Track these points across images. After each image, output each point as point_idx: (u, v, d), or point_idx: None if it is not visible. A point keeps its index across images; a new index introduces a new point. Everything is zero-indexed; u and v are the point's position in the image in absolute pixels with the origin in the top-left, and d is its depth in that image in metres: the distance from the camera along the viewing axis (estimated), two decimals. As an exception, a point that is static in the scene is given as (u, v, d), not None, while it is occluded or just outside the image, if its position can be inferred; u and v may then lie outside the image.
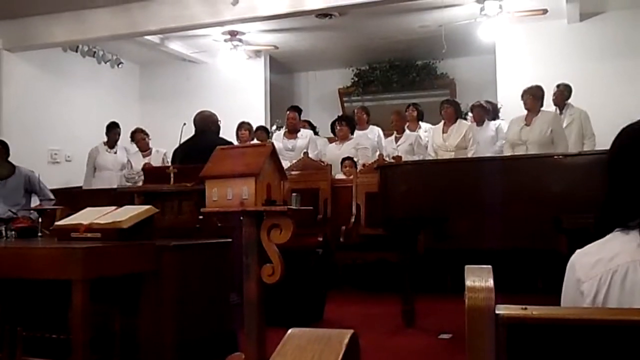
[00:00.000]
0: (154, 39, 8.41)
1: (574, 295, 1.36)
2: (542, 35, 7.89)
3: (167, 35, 8.43)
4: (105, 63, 8.86)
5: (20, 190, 5.78)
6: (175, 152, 5.12)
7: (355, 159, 6.67)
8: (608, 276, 1.29)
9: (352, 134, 7.11)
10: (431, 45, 8.70)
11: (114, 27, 7.22)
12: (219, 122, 5.19)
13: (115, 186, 6.61)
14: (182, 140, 5.42)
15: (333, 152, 7.02)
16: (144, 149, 7.66)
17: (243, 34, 8.37)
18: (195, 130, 5.05)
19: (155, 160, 7.30)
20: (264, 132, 7.77)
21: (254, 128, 7.74)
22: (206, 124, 5.02)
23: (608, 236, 1.38)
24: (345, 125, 7.09)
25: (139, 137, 7.65)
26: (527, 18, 7.48)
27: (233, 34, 8.32)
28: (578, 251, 1.39)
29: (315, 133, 8.09)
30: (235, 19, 6.95)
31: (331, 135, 7.75)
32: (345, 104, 10.26)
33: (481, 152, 6.43)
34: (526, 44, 8.03)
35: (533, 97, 6.00)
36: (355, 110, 7.87)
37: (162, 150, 7.36)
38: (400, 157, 6.27)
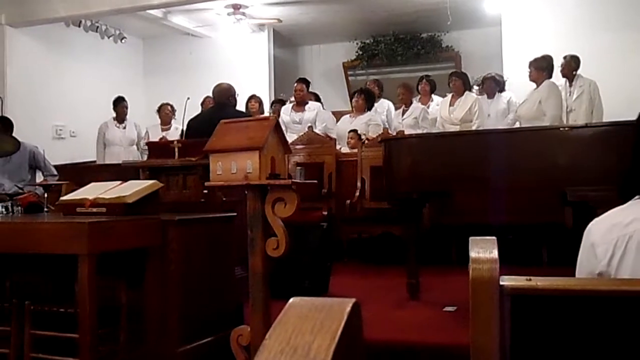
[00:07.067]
0: (157, 13, 8.35)
1: (588, 260, 1.35)
2: (548, 6, 7.77)
3: (170, 10, 8.36)
4: (109, 38, 8.81)
5: (25, 166, 5.77)
6: (190, 124, 5.07)
7: (364, 134, 6.48)
8: (624, 241, 1.29)
9: (370, 109, 6.85)
10: (436, 17, 8.60)
11: (117, 1, 7.17)
12: (236, 95, 5.15)
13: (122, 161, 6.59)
14: (188, 114, 5.40)
15: (345, 125, 6.78)
16: (166, 122, 7.71)
17: (246, 7, 8.30)
18: (215, 103, 5.03)
19: (172, 136, 7.27)
20: (280, 106, 7.71)
21: (271, 102, 7.76)
22: (225, 96, 4.99)
23: (627, 203, 1.37)
24: (363, 98, 6.80)
25: (165, 110, 7.73)
26: (533, -11, 7.39)
27: (236, 7, 8.25)
28: (596, 218, 1.39)
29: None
30: (238, -8, 6.90)
31: (336, 109, 7.67)
32: (350, 78, 10.20)
33: (493, 125, 6.33)
34: (533, 15, 7.92)
35: (536, 69, 5.94)
36: (367, 83, 7.77)
37: (180, 127, 7.35)
38: (403, 132, 6.19)
